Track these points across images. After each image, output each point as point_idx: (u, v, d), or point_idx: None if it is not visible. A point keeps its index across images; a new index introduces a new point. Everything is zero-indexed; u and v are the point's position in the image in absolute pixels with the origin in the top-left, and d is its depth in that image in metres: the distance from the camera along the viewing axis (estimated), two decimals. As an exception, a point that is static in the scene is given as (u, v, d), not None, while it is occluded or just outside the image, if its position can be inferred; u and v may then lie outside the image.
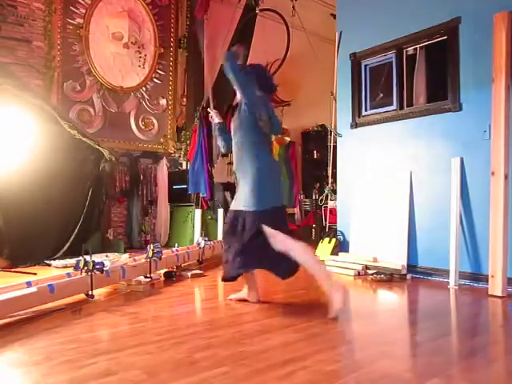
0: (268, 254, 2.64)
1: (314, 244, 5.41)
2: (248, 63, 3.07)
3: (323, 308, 2.96)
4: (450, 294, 3.32)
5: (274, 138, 7.99)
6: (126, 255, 3.88)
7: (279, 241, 2.63)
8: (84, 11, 5.77)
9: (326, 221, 5.25)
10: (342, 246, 4.62)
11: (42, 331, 2.25)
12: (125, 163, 6.02)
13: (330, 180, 5.25)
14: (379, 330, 2.38)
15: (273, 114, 2.85)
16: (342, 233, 4.74)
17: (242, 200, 2.73)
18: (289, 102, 7.98)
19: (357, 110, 4.66)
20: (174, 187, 6.33)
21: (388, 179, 4.30)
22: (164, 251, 3.85)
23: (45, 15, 5.38)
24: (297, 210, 8.21)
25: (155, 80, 6.47)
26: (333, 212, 5.14)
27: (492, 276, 3.21)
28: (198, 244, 4.54)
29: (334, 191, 5.17)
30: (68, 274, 3.03)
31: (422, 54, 4.25)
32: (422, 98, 4.24)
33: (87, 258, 2.90)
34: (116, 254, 4.69)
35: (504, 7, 3.39)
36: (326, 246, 4.68)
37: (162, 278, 3.71)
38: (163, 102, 6.54)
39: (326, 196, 5.27)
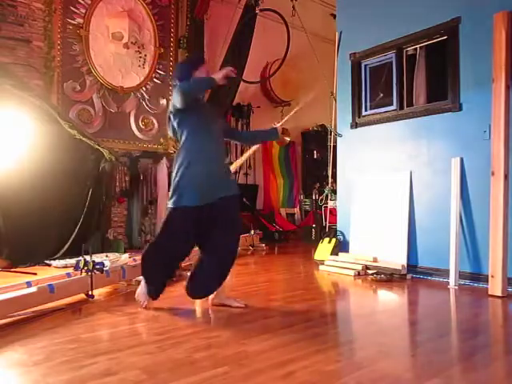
0: None
1: (313, 244, 5.42)
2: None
3: (323, 308, 2.97)
4: (450, 293, 3.32)
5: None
6: (126, 255, 3.88)
7: None
8: (84, 11, 5.76)
9: (325, 221, 5.25)
10: (341, 246, 4.62)
11: (42, 331, 2.25)
12: (125, 163, 6.02)
13: (330, 180, 5.25)
14: (379, 329, 2.38)
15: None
16: (342, 233, 4.73)
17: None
18: (289, 102, 7.97)
19: (357, 110, 4.66)
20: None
21: (388, 179, 4.30)
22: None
23: (45, 15, 5.38)
24: (297, 210, 8.21)
25: (155, 80, 6.47)
26: (333, 212, 5.14)
27: (492, 276, 3.21)
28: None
29: (334, 191, 5.17)
30: (68, 274, 3.04)
31: (422, 54, 4.25)
32: (422, 98, 4.24)
33: (87, 257, 2.90)
34: (116, 254, 4.69)
35: (504, 7, 3.39)
36: (325, 246, 4.68)
37: (162, 278, 3.70)
38: (163, 102, 6.54)
39: (326, 196, 5.27)
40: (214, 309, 2.72)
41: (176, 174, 2.61)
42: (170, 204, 2.63)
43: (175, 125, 2.70)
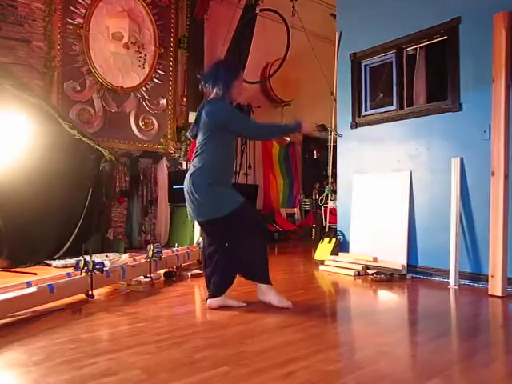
0: None
1: (313, 244, 5.42)
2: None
3: (323, 308, 2.97)
4: (450, 293, 3.32)
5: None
6: (126, 255, 3.88)
7: None
8: (84, 11, 5.77)
9: (325, 221, 5.25)
10: (341, 246, 4.62)
11: (42, 331, 2.25)
12: (125, 163, 6.02)
13: (330, 180, 5.25)
14: (379, 329, 2.37)
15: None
16: (342, 233, 4.73)
17: None
18: (289, 102, 7.98)
19: (357, 109, 4.66)
20: (174, 187, 6.33)
21: (388, 179, 4.30)
22: (164, 251, 3.86)
23: (45, 15, 5.38)
24: (297, 210, 8.21)
25: (155, 80, 6.47)
26: (333, 212, 5.14)
27: (492, 276, 3.21)
28: (198, 244, 4.54)
29: (334, 191, 5.17)
30: (68, 274, 3.03)
31: (422, 54, 4.25)
32: (422, 98, 4.24)
33: (87, 257, 2.90)
34: (116, 254, 4.69)
35: (504, 7, 3.39)
36: (325, 246, 4.67)
37: (162, 278, 3.71)
38: (163, 101, 6.54)
39: (326, 196, 5.27)
40: (213, 309, 2.72)
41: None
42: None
43: (205, 133, 2.70)
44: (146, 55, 6.35)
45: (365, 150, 4.57)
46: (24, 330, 2.27)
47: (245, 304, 2.77)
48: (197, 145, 2.78)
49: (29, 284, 2.80)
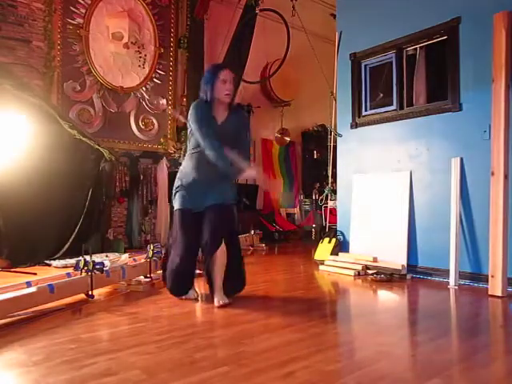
0: None
1: (313, 244, 5.42)
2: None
3: (323, 308, 2.97)
4: (450, 293, 3.32)
5: (274, 137, 8.04)
6: (126, 255, 3.88)
7: None
8: (84, 11, 5.76)
9: (325, 221, 5.25)
10: (341, 246, 4.62)
11: (42, 331, 2.25)
12: (125, 163, 6.02)
13: (330, 180, 5.25)
14: (379, 329, 2.38)
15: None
16: (342, 233, 4.73)
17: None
18: (289, 102, 7.97)
19: (357, 110, 4.66)
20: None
21: (388, 179, 4.30)
22: (164, 251, 3.85)
23: (45, 15, 5.38)
24: (297, 210, 8.21)
25: (155, 80, 6.46)
26: (333, 212, 5.14)
27: (492, 276, 3.21)
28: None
29: (334, 191, 5.17)
30: (68, 274, 3.04)
31: (422, 54, 4.25)
32: (422, 98, 4.24)
33: (87, 257, 2.90)
34: (116, 254, 4.69)
35: (504, 7, 3.39)
36: (325, 246, 4.67)
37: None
38: (163, 101, 6.54)
39: (326, 196, 5.27)
40: (214, 309, 2.72)
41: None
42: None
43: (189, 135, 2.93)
44: (146, 55, 6.35)
45: (365, 150, 4.57)
46: (24, 330, 2.27)
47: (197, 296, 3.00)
48: None
49: (29, 284, 2.80)
